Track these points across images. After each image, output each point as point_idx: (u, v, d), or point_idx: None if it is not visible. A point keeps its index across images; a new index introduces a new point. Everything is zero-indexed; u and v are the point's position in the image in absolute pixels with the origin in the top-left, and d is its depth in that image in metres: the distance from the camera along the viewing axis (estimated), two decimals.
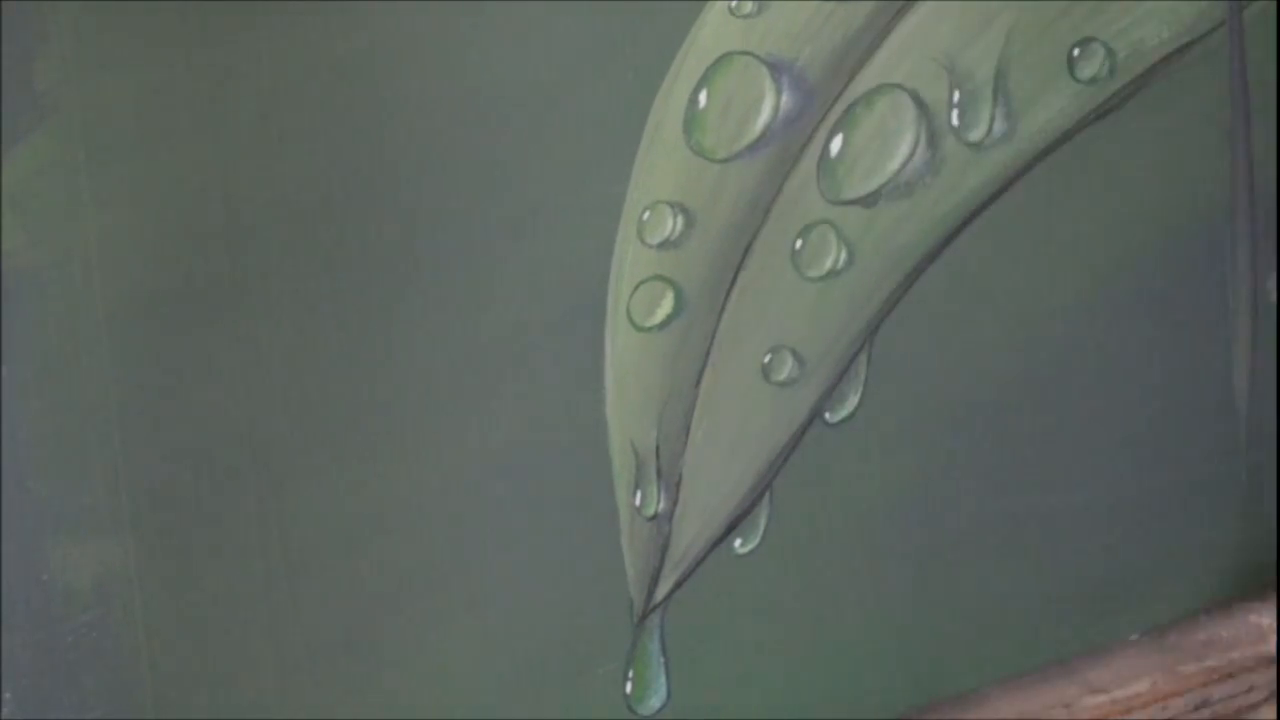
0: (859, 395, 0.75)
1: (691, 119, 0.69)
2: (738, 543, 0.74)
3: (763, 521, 0.75)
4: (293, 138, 0.62)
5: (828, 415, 0.75)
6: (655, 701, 0.73)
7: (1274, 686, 0.83)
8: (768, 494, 0.75)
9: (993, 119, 0.74)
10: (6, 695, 0.60)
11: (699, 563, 0.74)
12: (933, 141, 0.74)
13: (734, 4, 0.69)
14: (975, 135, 0.74)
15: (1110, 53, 0.77)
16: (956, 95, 0.74)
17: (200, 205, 0.61)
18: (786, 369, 0.74)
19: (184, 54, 0.59)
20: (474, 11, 0.64)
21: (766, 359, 0.73)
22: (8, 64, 0.57)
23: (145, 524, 0.62)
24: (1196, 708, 0.81)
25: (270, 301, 0.62)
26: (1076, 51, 0.76)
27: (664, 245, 0.70)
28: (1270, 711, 0.82)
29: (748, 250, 0.72)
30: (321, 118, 0.62)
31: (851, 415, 0.75)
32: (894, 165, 0.73)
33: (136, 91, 0.59)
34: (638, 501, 0.72)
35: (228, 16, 0.60)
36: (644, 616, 0.73)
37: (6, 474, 0.59)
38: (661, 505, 0.72)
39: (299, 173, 0.62)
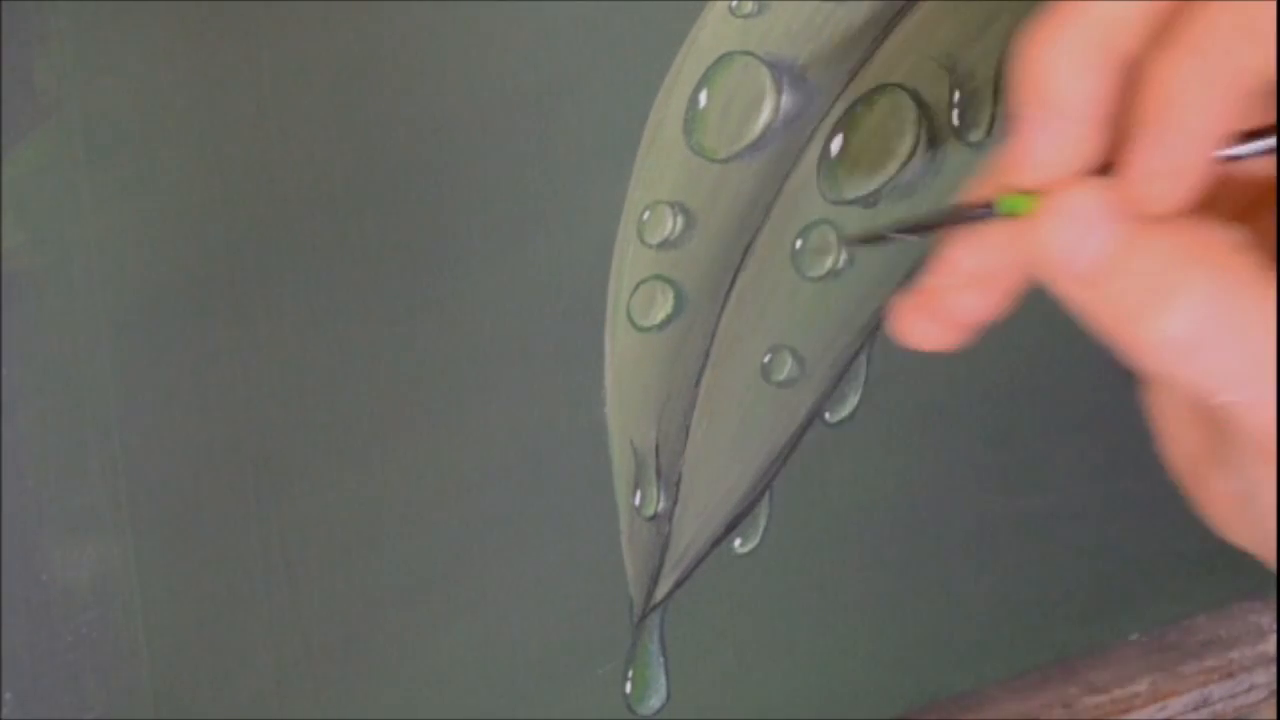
0: (859, 395, 0.75)
1: (692, 119, 0.69)
2: (737, 542, 0.74)
3: (762, 521, 0.75)
4: (293, 138, 0.62)
5: (828, 415, 0.75)
6: (655, 701, 0.73)
7: (1274, 686, 0.83)
8: (767, 494, 0.75)
9: (993, 119, 0.74)
10: (7, 695, 0.60)
11: (699, 562, 0.74)
12: (933, 142, 0.74)
13: (734, 4, 0.69)
14: (976, 136, 0.74)
15: None
16: (957, 95, 0.74)
17: (200, 205, 0.61)
18: (786, 369, 0.74)
19: (184, 54, 0.59)
20: (473, 11, 0.64)
21: (766, 359, 0.73)
22: (8, 64, 0.57)
23: (145, 524, 0.62)
24: (1196, 707, 0.82)
25: (270, 301, 0.62)
26: None
27: (664, 245, 0.70)
28: (1270, 711, 0.82)
29: (748, 250, 0.72)
30: (321, 118, 0.62)
31: (851, 415, 0.75)
32: (894, 165, 0.73)
33: (136, 91, 0.59)
34: (637, 501, 0.72)
35: (228, 16, 0.60)
36: (644, 616, 0.73)
37: (6, 474, 0.59)
38: (661, 505, 0.72)
39: (299, 173, 0.62)
